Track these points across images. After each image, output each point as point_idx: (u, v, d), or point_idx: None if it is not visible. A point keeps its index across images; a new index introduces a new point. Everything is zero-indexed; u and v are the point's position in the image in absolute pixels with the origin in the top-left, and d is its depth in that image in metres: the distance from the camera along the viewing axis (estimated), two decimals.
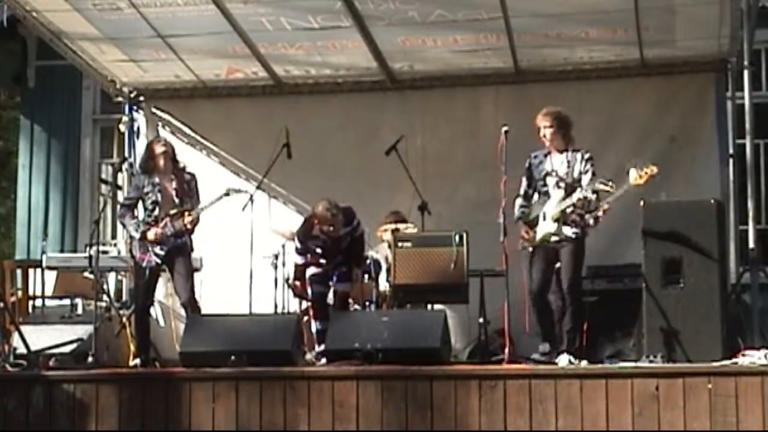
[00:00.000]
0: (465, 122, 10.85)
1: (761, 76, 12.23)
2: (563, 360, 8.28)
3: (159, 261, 8.99)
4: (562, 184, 8.55)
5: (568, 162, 8.58)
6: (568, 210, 8.46)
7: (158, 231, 8.95)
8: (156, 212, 9.04)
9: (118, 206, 9.37)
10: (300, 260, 9.47)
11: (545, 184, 8.64)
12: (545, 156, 8.68)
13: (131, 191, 9.28)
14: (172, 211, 8.99)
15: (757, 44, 10.78)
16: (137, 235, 9.01)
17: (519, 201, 8.76)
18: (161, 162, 9.07)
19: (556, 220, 8.51)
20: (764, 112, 11.15)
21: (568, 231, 8.51)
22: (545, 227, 8.56)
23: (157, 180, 9.09)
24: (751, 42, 9.99)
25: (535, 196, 8.70)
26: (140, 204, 9.18)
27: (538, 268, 8.63)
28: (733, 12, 9.58)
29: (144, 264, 9.00)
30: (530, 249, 8.65)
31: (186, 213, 8.95)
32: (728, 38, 10.08)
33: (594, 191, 8.38)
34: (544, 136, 8.61)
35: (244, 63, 11.09)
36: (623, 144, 10.44)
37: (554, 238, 8.53)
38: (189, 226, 8.96)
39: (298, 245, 9.44)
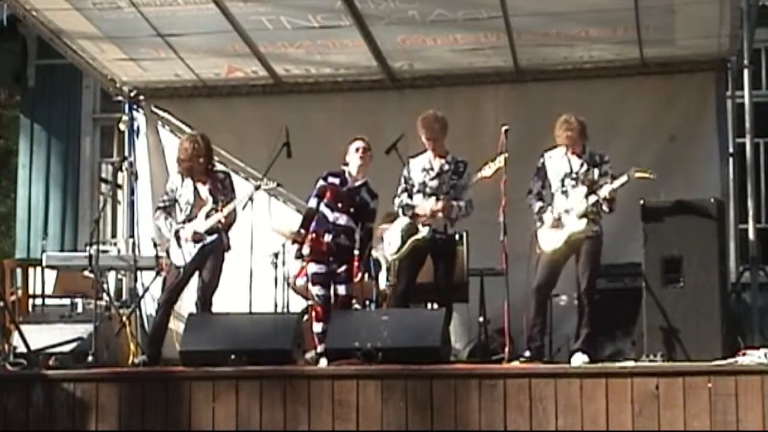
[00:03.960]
0: (465, 121, 10.84)
1: (761, 75, 12.23)
2: (578, 359, 8.29)
3: (192, 259, 8.99)
4: (581, 185, 8.60)
5: (587, 163, 8.65)
6: (591, 208, 8.51)
7: (191, 229, 8.96)
8: (189, 212, 9.06)
9: (155, 210, 9.39)
10: (313, 203, 9.25)
11: (563, 185, 8.68)
12: (562, 157, 8.73)
13: (165, 193, 9.28)
14: (206, 208, 9.01)
15: (757, 43, 10.76)
16: (170, 235, 9.04)
17: (534, 197, 8.82)
18: (191, 162, 9.08)
19: (583, 216, 8.55)
20: (764, 111, 11.15)
21: (592, 227, 8.56)
22: (572, 225, 8.58)
23: (189, 180, 9.11)
24: (751, 41, 9.99)
25: (552, 196, 8.77)
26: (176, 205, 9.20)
27: (550, 262, 8.66)
28: (733, 11, 9.58)
29: (178, 263, 9.01)
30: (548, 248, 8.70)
31: (220, 209, 8.96)
32: (728, 37, 10.08)
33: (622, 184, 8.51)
34: (569, 137, 8.65)
35: (244, 62, 11.10)
36: (623, 143, 10.44)
37: (581, 235, 8.57)
38: (223, 222, 8.97)
39: (320, 183, 9.24)
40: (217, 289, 9.05)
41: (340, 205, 9.17)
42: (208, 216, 8.99)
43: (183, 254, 8.99)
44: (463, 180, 9.07)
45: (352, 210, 9.17)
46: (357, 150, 9.25)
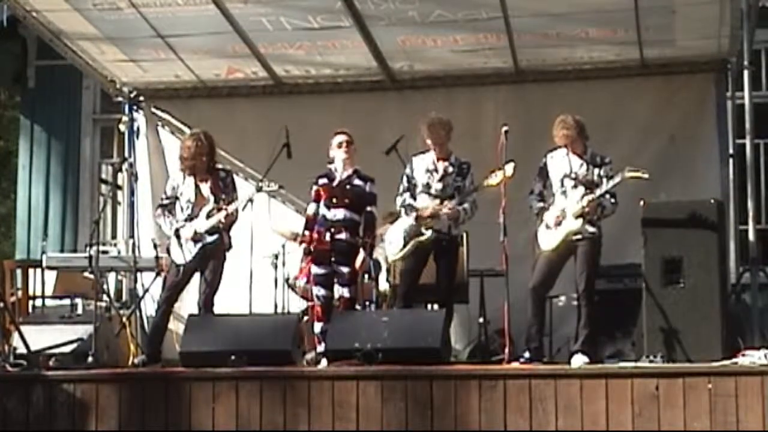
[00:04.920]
0: (465, 122, 10.84)
1: (761, 76, 12.23)
2: (577, 360, 8.29)
3: (193, 258, 8.99)
4: (580, 186, 8.59)
5: (588, 164, 8.64)
6: (587, 207, 8.49)
7: (192, 228, 8.96)
8: (190, 211, 9.07)
9: (156, 208, 9.38)
10: (311, 210, 9.27)
11: (563, 185, 8.69)
12: (563, 157, 8.72)
13: (167, 190, 9.28)
14: (207, 207, 9.01)
15: (757, 44, 10.77)
16: (171, 233, 9.06)
17: (535, 198, 8.80)
18: (194, 160, 9.08)
19: (579, 216, 8.54)
20: (764, 112, 11.14)
21: (589, 228, 8.55)
22: (567, 225, 8.58)
23: (191, 179, 9.12)
24: (751, 42, 9.99)
25: (553, 197, 8.76)
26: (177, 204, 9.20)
27: (547, 262, 8.66)
28: (733, 12, 9.58)
29: (178, 262, 9.02)
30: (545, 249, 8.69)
31: (221, 209, 8.96)
32: (728, 38, 10.08)
33: (618, 183, 8.49)
34: (565, 136, 8.64)
35: (244, 63, 11.10)
36: (623, 144, 10.44)
37: (576, 237, 8.56)
38: (223, 221, 8.95)
39: (313, 188, 9.26)
40: (219, 290, 9.06)
41: (334, 200, 9.14)
42: (209, 216, 8.99)
43: (183, 253, 9.00)
44: (467, 181, 9.08)
45: (347, 201, 9.14)
46: (340, 145, 9.24)
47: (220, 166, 9.36)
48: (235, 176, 9.49)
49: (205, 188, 9.09)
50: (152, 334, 9.18)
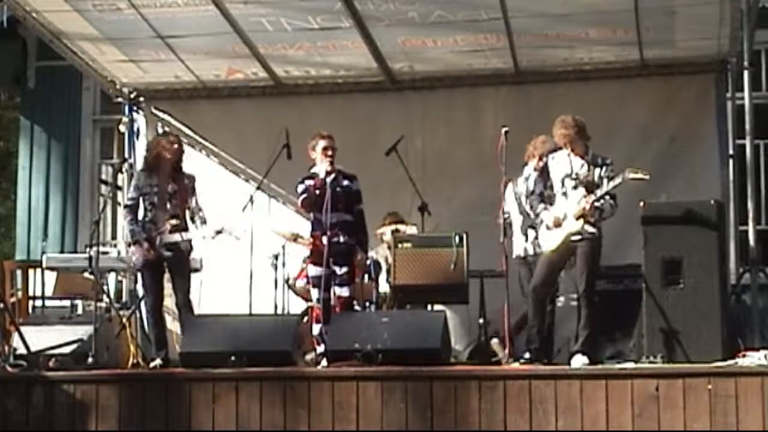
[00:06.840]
0: (465, 123, 10.86)
1: (761, 76, 12.22)
2: (577, 361, 8.28)
3: (157, 259, 9.04)
4: (581, 187, 8.58)
5: (589, 164, 8.63)
6: (588, 208, 8.49)
7: (155, 243, 9.02)
8: (152, 214, 9.09)
9: (123, 208, 9.36)
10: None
11: (563, 186, 8.67)
12: (564, 158, 8.71)
13: (132, 191, 9.27)
14: (173, 222, 9.02)
15: (757, 45, 10.77)
16: (131, 243, 9.13)
17: (536, 199, 8.78)
18: (162, 162, 9.10)
19: (579, 217, 8.53)
20: (764, 112, 11.15)
21: (589, 229, 8.54)
22: (568, 226, 8.57)
23: (156, 181, 9.11)
24: (751, 42, 9.99)
25: (554, 197, 8.75)
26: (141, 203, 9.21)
27: (548, 263, 8.64)
28: (733, 12, 9.59)
29: (142, 261, 9.07)
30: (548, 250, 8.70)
31: (185, 229, 9.03)
32: (728, 39, 10.09)
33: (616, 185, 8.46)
34: (564, 135, 8.63)
35: (244, 63, 11.10)
36: (623, 144, 10.44)
37: (576, 237, 8.55)
38: (184, 239, 9.06)
39: (299, 186, 9.28)
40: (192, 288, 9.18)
41: (321, 204, 9.10)
42: (172, 231, 9.00)
43: (149, 254, 9.06)
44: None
45: (340, 205, 9.12)
46: (325, 152, 9.17)
47: (185, 170, 9.34)
48: (235, 178, 9.50)
49: (167, 194, 9.08)
50: (158, 335, 9.15)
